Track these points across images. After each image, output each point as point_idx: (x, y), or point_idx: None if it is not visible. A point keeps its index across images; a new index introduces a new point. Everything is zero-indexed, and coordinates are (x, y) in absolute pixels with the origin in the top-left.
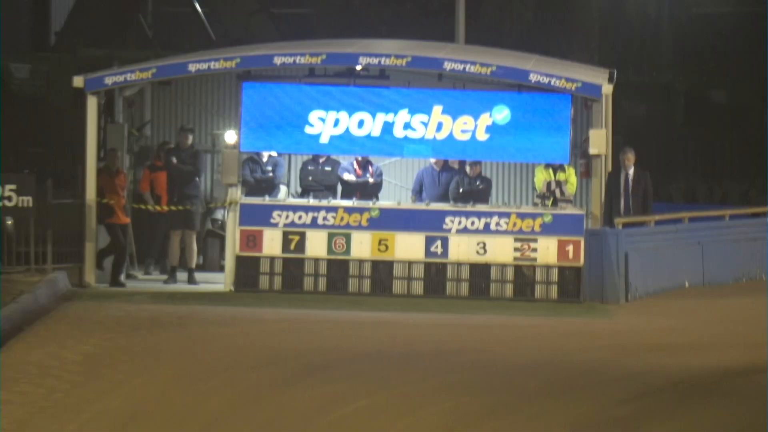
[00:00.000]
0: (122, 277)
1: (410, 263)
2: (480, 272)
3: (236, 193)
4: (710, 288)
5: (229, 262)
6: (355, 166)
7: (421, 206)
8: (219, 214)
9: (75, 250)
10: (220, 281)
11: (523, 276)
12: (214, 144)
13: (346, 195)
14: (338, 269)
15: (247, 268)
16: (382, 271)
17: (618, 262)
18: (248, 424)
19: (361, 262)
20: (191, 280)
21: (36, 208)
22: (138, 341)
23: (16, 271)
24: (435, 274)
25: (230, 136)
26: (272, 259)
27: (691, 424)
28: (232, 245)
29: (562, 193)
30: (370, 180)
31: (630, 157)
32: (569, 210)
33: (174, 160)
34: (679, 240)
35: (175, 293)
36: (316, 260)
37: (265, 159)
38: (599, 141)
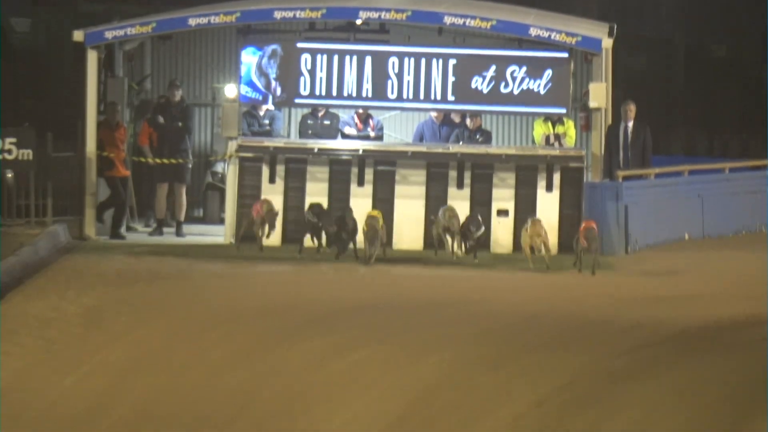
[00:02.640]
0: (122, 230)
1: (411, 215)
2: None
3: (236, 147)
4: (710, 240)
5: (229, 215)
6: (356, 120)
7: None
8: (219, 168)
9: (75, 203)
10: (220, 234)
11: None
12: (214, 97)
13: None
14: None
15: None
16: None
17: (618, 215)
18: (249, 375)
19: (362, 215)
20: (179, 233)
21: (36, 162)
22: (138, 293)
23: (17, 223)
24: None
25: (230, 90)
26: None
27: (691, 376)
28: (232, 198)
29: (561, 146)
30: (371, 134)
31: (632, 109)
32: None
33: (161, 119)
34: (679, 193)
35: (175, 246)
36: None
37: (262, 112)
38: (599, 94)
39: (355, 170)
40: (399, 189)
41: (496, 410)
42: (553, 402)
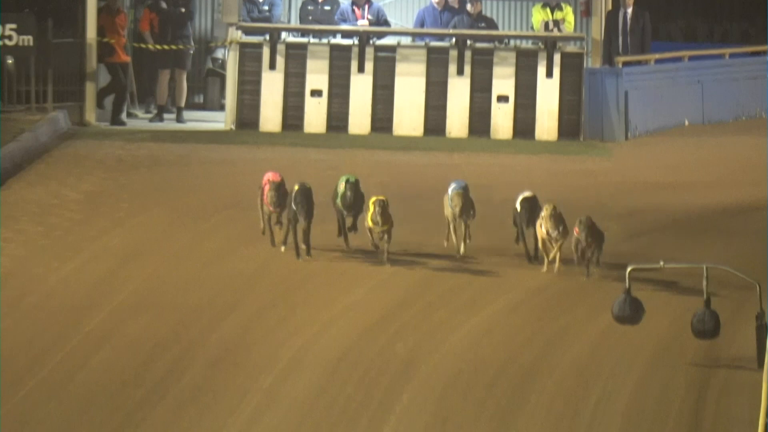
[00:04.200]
0: (123, 116)
1: (411, 101)
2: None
3: (236, 33)
4: (710, 126)
5: (230, 101)
6: (354, 8)
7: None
8: (219, 54)
9: (75, 89)
10: (220, 120)
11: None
12: None
13: (345, 37)
14: (339, 108)
15: (248, 107)
16: (382, 110)
17: (618, 101)
18: (248, 262)
19: (362, 101)
20: (179, 119)
21: (36, 48)
22: (138, 180)
23: (17, 110)
24: (435, 112)
25: None
26: (273, 97)
27: (693, 261)
28: (233, 84)
29: (560, 32)
30: (369, 17)
31: None
32: (569, 48)
33: (163, 4)
34: (679, 78)
35: (176, 132)
36: (318, 101)
37: None
38: None
39: (355, 55)
40: (399, 75)
41: (504, 290)
42: (551, 290)
